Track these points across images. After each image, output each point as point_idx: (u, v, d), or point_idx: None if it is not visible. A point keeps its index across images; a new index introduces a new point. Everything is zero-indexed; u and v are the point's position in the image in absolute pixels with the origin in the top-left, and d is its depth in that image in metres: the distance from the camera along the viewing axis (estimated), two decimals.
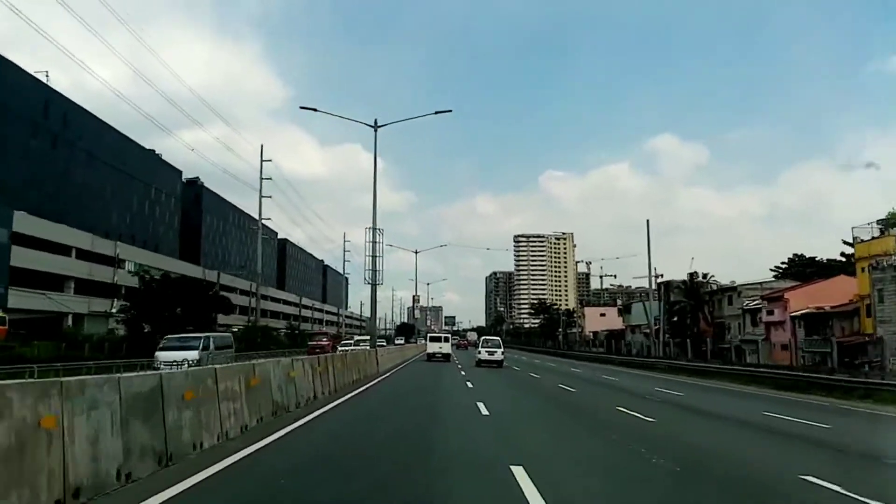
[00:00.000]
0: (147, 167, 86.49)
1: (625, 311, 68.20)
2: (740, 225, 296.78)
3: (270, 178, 57.72)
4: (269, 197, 56.23)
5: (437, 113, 38.33)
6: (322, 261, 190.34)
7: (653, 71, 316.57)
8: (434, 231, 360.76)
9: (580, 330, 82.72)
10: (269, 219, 59.09)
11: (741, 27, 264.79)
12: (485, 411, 15.62)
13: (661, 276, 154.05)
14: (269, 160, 57.76)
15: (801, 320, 43.56)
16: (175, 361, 22.86)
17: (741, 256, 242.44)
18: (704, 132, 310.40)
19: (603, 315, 79.78)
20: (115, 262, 63.47)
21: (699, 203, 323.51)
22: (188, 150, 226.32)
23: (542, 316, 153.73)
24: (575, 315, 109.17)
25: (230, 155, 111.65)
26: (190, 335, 29.68)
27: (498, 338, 44.93)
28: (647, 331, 53.99)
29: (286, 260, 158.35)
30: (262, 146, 58.67)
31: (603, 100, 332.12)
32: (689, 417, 16.65)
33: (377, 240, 28.01)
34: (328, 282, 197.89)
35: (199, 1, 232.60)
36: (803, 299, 44.62)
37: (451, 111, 48.46)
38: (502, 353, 39.21)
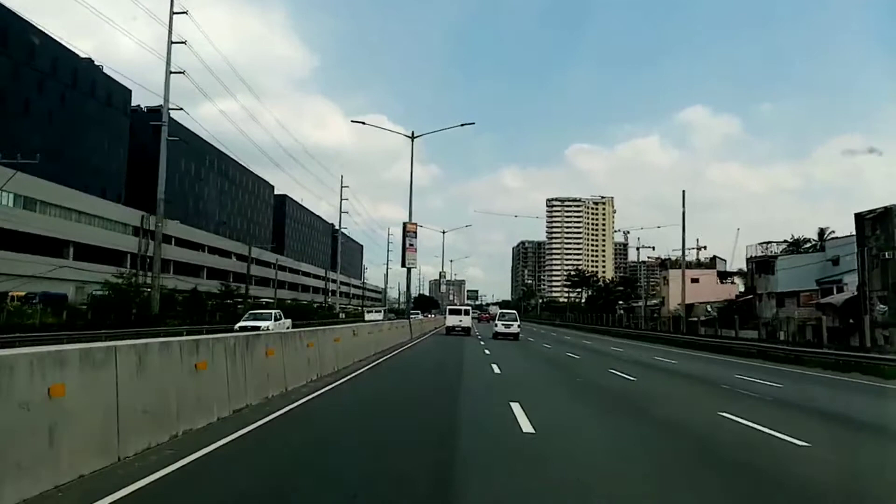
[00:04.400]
0: (76, 74, 64.69)
1: (759, 271, 44.79)
2: (772, 199, 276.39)
3: (184, 42, 35.06)
4: (182, 72, 33.86)
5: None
6: (333, 225, 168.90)
7: (682, 40, 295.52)
8: (460, 205, 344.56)
9: (660, 301, 59.57)
10: (179, 108, 36.82)
11: None
12: None
13: (705, 247, 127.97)
14: (184, 41, 35.37)
15: None
16: None
17: (777, 231, 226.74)
18: (736, 104, 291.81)
19: (695, 281, 56.61)
20: None
21: (731, 177, 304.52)
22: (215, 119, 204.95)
23: (580, 289, 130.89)
24: (636, 284, 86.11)
25: (254, 125, 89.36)
26: None
27: (514, 311, 46.26)
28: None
29: (285, 219, 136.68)
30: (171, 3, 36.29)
31: (629, 71, 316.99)
32: None
33: None
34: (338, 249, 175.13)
35: None
36: None
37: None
38: (518, 325, 39.83)
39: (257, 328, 23.79)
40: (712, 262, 60.18)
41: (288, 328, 27.05)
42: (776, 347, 28.71)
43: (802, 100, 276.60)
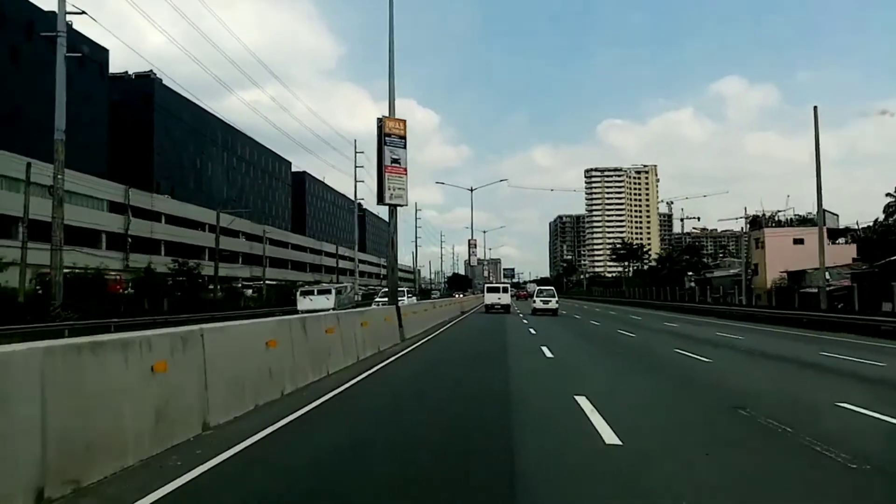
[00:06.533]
0: (31, 26, 55.04)
1: None
2: (813, 168, 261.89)
3: None
4: None
5: None
6: (360, 203, 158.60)
7: (714, 8, 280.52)
8: (492, 185, 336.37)
9: (752, 270, 46.84)
10: (82, 12, 25.92)
11: None
12: None
13: (751, 217, 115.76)
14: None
15: None
16: None
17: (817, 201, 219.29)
18: (773, 74, 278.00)
19: (798, 242, 44.57)
20: None
21: (767, 148, 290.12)
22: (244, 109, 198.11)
23: (627, 262, 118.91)
24: (701, 252, 74.04)
25: (285, 115, 79.42)
26: None
27: (552, 288, 45.98)
28: None
29: (305, 198, 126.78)
30: None
31: (660, 43, 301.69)
32: None
33: None
34: (368, 230, 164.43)
35: None
36: None
37: None
38: (556, 301, 40.06)
39: None
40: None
41: None
42: None
43: (841, 68, 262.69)
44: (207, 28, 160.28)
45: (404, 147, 21.53)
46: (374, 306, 29.01)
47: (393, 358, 13.62)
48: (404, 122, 21.74)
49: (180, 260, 40.69)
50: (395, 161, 21.07)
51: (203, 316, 28.61)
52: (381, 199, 21.39)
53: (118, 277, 35.90)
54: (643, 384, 10.47)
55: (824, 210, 50.76)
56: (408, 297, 40.54)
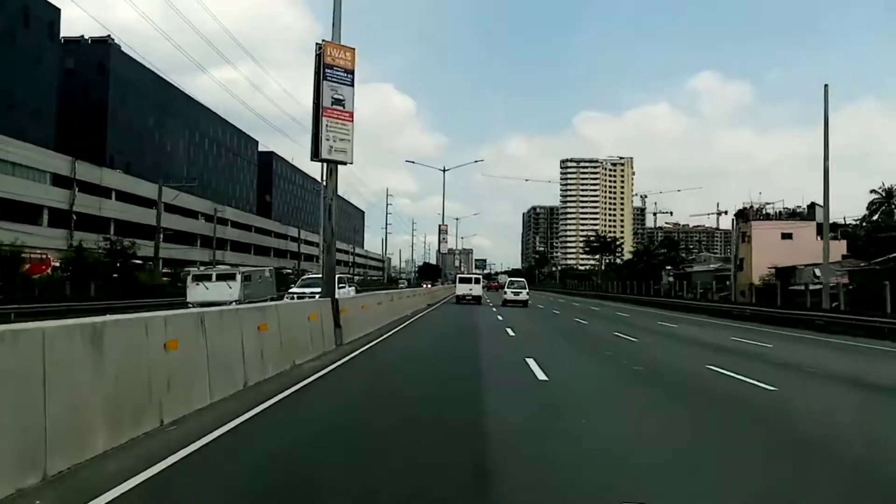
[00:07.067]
0: None
1: None
2: (783, 167, 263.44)
3: None
4: None
5: None
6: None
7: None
8: (466, 173, 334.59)
9: (737, 264, 44.16)
10: None
11: None
12: None
13: (725, 212, 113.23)
14: None
15: None
16: None
17: (790, 199, 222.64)
18: (747, 69, 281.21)
19: (787, 237, 42.30)
20: None
21: (741, 145, 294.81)
22: (218, 88, 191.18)
23: (600, 255, 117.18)
24: (679, 247, 71.86)
25: (258, 95, 74.18)
26: None
27: (523, 280, 45.35)
28: None
29: (272, 179, 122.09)
30: None
31: (638, 36, 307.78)
32: None
33: None
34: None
35: None
36: None
37: None
38: (527, 293, 40.47)
39: None
40: (810, 212, 45.18)
41: None
42: None
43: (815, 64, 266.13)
44: (183, 6, 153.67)
45: (351, 84, 15.33)
46: (286, 300, 22.58)
47: (306, 382, 9.21)
48: (353, 50, 15.52)
49: (113, 238, 36.57)
50: (338, 102, 15.04)
51: (137, 303, 25.15)
52: (315, 154, 15.06)
53: (44, 256, 32.03)
54: (743, 470, 5.47)
55: (815, 203, 48.77)
56: (341, 287, 27.14)
